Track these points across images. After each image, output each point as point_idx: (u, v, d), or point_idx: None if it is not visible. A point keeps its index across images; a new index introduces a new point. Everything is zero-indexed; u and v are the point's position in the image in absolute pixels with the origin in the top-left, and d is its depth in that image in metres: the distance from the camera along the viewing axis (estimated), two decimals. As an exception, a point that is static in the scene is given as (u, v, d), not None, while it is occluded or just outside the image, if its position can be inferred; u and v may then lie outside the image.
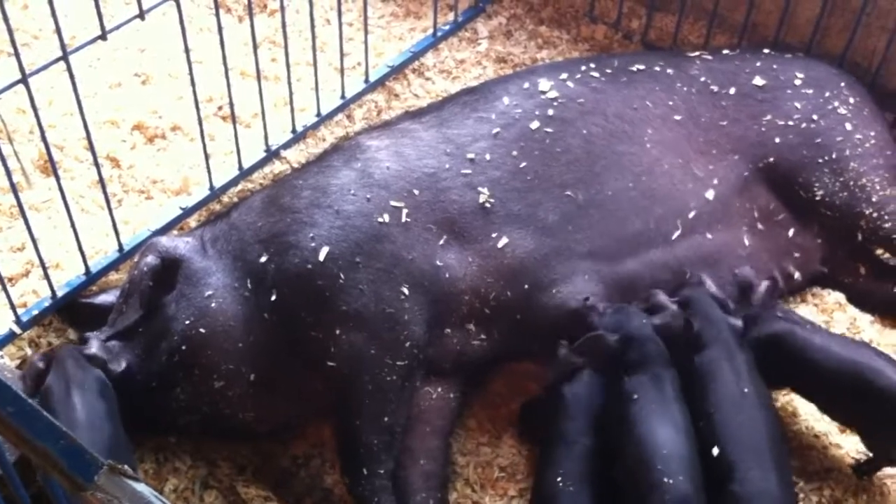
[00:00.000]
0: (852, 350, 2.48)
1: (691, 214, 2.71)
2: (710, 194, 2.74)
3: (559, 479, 2.31)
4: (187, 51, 2.70)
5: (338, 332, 2.42)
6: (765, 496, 2.21)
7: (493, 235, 2.56)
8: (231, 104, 2.93)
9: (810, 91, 2.91)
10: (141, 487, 1.23)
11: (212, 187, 3.01)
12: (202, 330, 2.48)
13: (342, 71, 3.28)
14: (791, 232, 2.84)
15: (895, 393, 2.37)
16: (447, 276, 2.52)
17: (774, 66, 2.97)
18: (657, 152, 2.73)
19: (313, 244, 2.45)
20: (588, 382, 2.49)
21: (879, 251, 2.99)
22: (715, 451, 2.28)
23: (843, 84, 2.97)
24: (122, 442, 2.34)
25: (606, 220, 2.63)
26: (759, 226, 2.81)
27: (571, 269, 2.59)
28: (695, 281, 2.64)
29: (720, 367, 2.42)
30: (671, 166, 2.73)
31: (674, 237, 2.69)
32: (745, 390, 2.37)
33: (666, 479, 2.18)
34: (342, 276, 2.43)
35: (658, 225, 2.67)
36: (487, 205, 2.57)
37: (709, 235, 2.73)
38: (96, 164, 2.63)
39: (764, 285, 2.66)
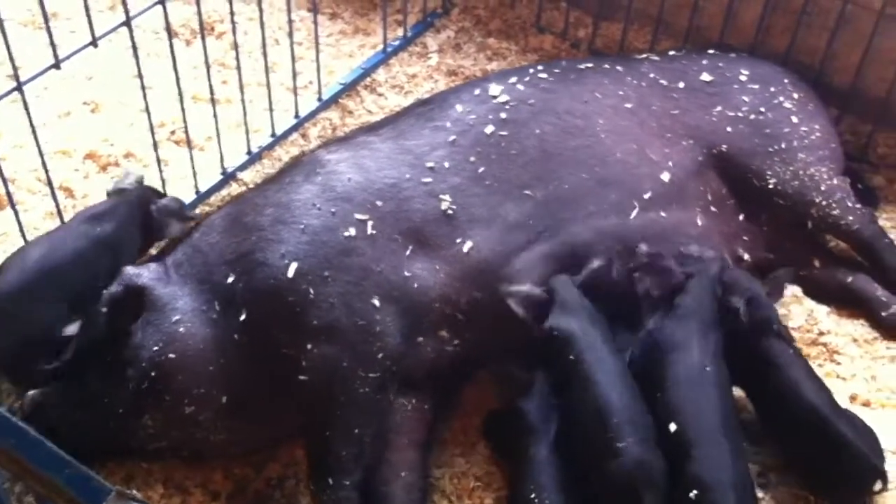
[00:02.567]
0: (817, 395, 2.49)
1: (647, 195, 2.76)
2: (665, 176, 2.80)
3: (532, 494, 2.33)
4: (141, 76, 2.69)
5: (310, 346, 2.41)
6: (722, 471, 2.24)
7: (458, 241, 2.57)
8: (186, 128, 2.91)
9: (756, 86, 2.99)
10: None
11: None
12: (171, 355, 2.45)
13: (295, 90, 3.28)
14: (741, 217, 2.91)
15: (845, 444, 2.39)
16: (416, 285, 2.52)
17: (720, 64, 3.05)
18: (611, 141, 2.78)
19: (282, 261, 2.44)
20: (542, 392, 2.52)
21: (832, 243, 3.07)
22: (672, 427, 2.32)
23: (786, 80, 3.06)
24: None
25: (564, 211, 2.67)
26: (712, 208, 2.87)
27: (533, 260, 2.61)
28: (718, 262, 2.68)
29: (689, 342, 2.45)
30: (625, 153, 2.78)
31: (630, 217, 2.73)
32: (707, 368, 2.41)
33: (618, 444, 2.23)
34: (312, 291, 2.42)
35: (614, 207, 2.71)
36: (450, 211, 2.59)
37: (663, 215, 2.78)
38: (53, 195, 2.60)
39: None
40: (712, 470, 2.25)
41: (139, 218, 2.74)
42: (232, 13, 2.96)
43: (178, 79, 2.77)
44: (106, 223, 2.68)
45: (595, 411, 2.32)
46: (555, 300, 2.53)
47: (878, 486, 2.42)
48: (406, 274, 2.52)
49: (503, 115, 2.76)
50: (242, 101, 3.05)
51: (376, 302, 2.47)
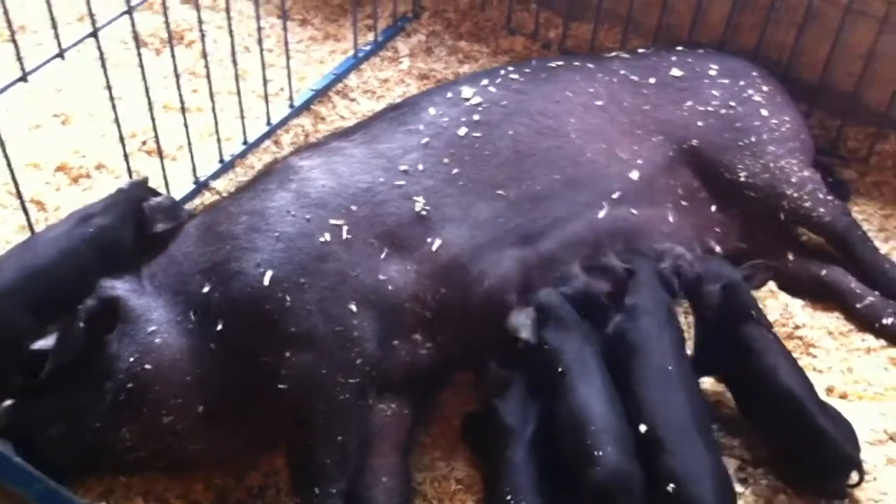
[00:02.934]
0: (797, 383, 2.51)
1: (616, 195, 2.78)
2: (634, 175, 2.82)
3: (509, 496, 2.34)
4: (109, 87, 2.67)
5: (288, 354, 2.40)
6: (697, 463, 2.26)
7: (429, 240, 2.58)
8: (157, 138, 2.90)
9: (726, 81, 3.02)
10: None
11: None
12: (148, 366, 2.43)
13: (266, 97, 3.27)
14: (713, 208, 2.93)
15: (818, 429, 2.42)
16: (391, 288, 2.52)
17: (689, 60, 3.08)
18: (581, 141, 2.80)
19: (257, 269, 2.43)
20: (519, 394, 2.53)
21: (805, 237, 3.09)
22: (642, 428, 2.33)
23: (755, 74, 3.09)
24: None
25: (534, 210, 2.68)
26: (683, 202, 2.89)
27: (499, 258, 2.62)
28: (651, 254, 2.71)
29: (649, 343, 2.48)
30: (595, 152, 2.80)
31: (599, 216, 2.75)
32: (670, 367, 2.43)
33: (596, 452, 2.24)
34: (289, 298, 2.41)
35: (583, 207, 2.74)
36: (423, 213, 2.59)
37: (634, 212, 2.80)
38: (24, 209, 2.58)
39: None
40: (688, 463, 2.27)
41: (131, 216, 2.72)
42: (200, 22, 2.95)
43: (146, 89, 2.76)
44: (96, 222, 2.66)
45: (576, 420, 2.33)
46: (549, 316, 2.54)
47: (854, 477, 2.44)
48: (381, 277, 2.52)
49: (476, 117, 2.76)
50: (213, 109, 3.03)
51: (353, 307, 2.46)
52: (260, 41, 3.14)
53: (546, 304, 2.56)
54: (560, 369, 2.43)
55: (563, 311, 2.55)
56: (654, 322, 2.53)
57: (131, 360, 2.43)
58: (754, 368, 2.51)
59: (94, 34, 2.54)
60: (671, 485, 2.24)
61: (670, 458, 2.28)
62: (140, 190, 2.80)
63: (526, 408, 2.50)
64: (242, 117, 3.19)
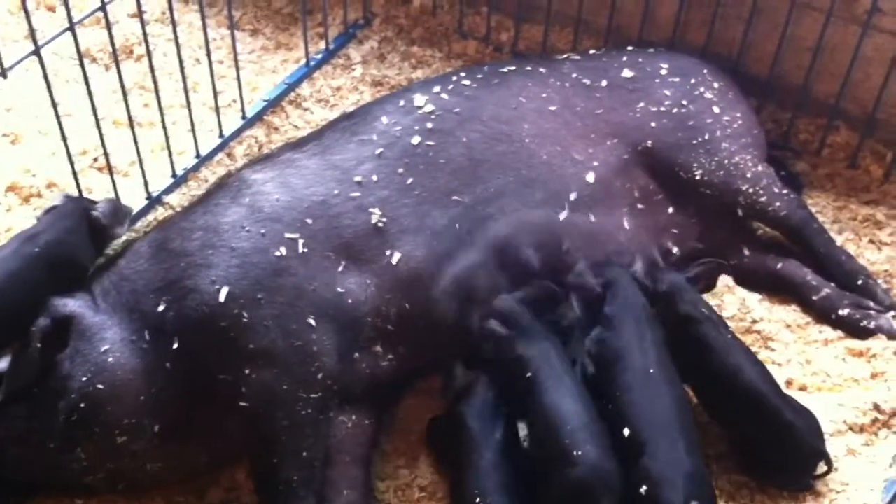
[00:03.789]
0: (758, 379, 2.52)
1: (572, 196, 2.78)
2: (590, 177, 2.82)
3: (477, 499, 2.34)
4: (54, 105, 2.64)
5: (247, 371, 2.38)
6: (674, 466, 2.27)
7: (388, 252, 2.57)
8: (106, 154, 2.86)
9: (677, 79, 3.03)
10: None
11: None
12: (100, 386, 2.41)
13: (217, 109, 3.24)
14: (670, 210, 2.94)
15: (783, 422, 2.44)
16: (349, 301, 2.51)
17: (640, 60, 3.08)
18: (535, 145, 2.80)
19: (212, 286, 2.41)
20: (484, 395, 2.53)
21: (760, 231, 3.11)
22: (626, 432, 2.35)
23: (705, 71, 3.10)
24: None
25: (490, 213, 2.68)
26: (640, 205, 2.90)
27: (460, 263, 2.62)
28: (625, 261, 2.73)
29: (630, 348, 2.49)
30: (550, 155, 2.80)
31: (557, 217, 2.75)
32: (651, 371, 2.44)
33: (574, 452, 2.25)
34: (245, 314, 2.39)
35: (539, 208, 2.74)
36: (380, 224, 2.58)
37: (591, 215, 2.80)
38: (-26, 230, 2.54)
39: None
40: (664, 466, 2.28)
41: (81, 228, 2.69)
42: (145, 34, 2.91)
43: (93, 105, 2.72)
44: (43, 239, 2.62)
45: (550, 421, 2.34)
46: (510, 323, 2.56)
47: (821, 468, 2.47)
48: (339, 290, 2.51)
49: (429, 125, 2.75)
50: (163, 122, 3.00)
51: (312, 321, 2.45)
52: (208, 52, 3.11)
53: (505, 312, 2.56)
54: (528, 374, 2.43)
55: (522, 318, 2.56)
56: (633, 327, 2.54)
57: (83, 379, 2.41)
58: (716, 369, 2.52)
59: (36, 52, 2.50)
60: (644, 487, 2.26)
61: (648, 460, 2.29)
62: (80, 201, 2.77)
63: (491, 409, 2.50)
64: (193, 130, 3.16)
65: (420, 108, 2.80)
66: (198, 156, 3.22)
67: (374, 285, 2.55)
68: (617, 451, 2.32)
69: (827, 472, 2.48)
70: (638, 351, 2.48)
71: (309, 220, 2.54)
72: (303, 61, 3.60)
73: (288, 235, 2.50)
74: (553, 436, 2.31)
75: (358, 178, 2.63)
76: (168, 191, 3.13)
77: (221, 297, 2.39)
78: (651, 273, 2.72)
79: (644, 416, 2.36)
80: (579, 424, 2.31)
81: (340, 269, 2.53)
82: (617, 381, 2.45)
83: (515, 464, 2.41)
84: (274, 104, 3.47)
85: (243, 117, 3.36)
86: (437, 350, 2.64)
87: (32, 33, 2.51)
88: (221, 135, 3.29)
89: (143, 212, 3.05)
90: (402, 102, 2.83)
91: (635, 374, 2.44)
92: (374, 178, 2.64)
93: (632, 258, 2.78)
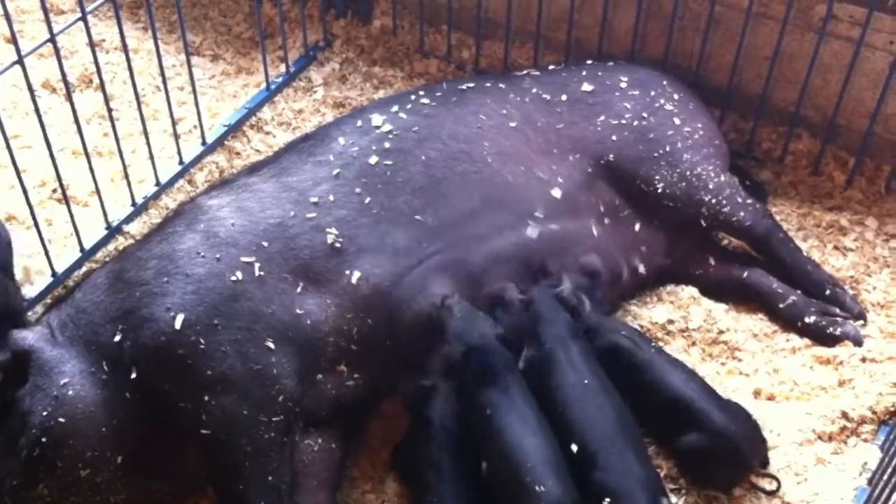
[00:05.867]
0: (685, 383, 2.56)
1: (538, 213, 2.77)
2: (556, 192, 2.81)
3: None
4: (5, 137, 2.62)
5: (207, 398, 2.35)
6: (628, 476, 2.28)
7: (347, 272, 2.55)
8: (61, 185, 2.84)
9: (636, 92, 3.02)
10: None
11: (54, 273, 2.90)
12: (61, 420, 2.37)
13: (176, 135, 3.22)
14: (637, 227, 2.93)
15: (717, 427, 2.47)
16: (309, 322, 2.49)
17: (599, 74, 3.07)
18: (498, 164, 2.78)
19: (168, 314, 2.38)
20: (443, 399, 2.52)
21: (725, 241, 3.11)
22: (574, 447, 2.34)
23: (665, 82, 3.10)
24: None
25: (455, 232, 2.67)
26: (606, 220, 2.89)
27: (424, 280, 2.61)
28: (551, 279, 2.70)
29: (557, 362, 2.49)
30: (513, 174, 2.79)
31: (523, 234, 2.74)
32: (586, 381, 2.44)
33: (537, 488, 2.22)
34: (202, 341, 2.36)
35: (505, 226, 2.73)
36: (337, 244, 2.56)
37: (557, 230, 2.79)
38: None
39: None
40: (619, 477, 2.28)
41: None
42: (97, 63, 2.89)
43: (45, 136, 2.70)
44: None
45: (511, 459, 2.30)
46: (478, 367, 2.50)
47: (771, 485, 2.48)
48: (298, 312, 2.49)
49: (387, 145, 2.74)
50: (119, 151, 2.98)
51: (270, 344, 2.42)
52: (164, 79, 3.09)
53: (477, 347, 2.52)
54: (487, 412, 2.40)
55: (492, 358, 2.51)
56: (560, 342, 2.53)
57: (44, 414, 2.38)
58: (644, 386, 2.55)
59: (-16, 85, 2.48)
60: (607, 500, 2.25)
61: (602, 473, 2.29)
62: None
63: (449, 417, 2.49)
64: (152, 158, 3.13)
65: (378, 127, 2.78)
66: (157, 183, 3.19)
67: (334, 305, 2.53)
68: (568, 466, 2.31)
69: (777, 490, 2.49)
70: (569, 365, 2.48)
71: (265, 243, 2.51)
72: (263, 85, 3.58)
73: (244, 259, 2.48)
74: (514, 473, 2.28)
75: (314, 199, 2.61)
76: (128, 220, 3.10)
77: (177, 325, 2.36)
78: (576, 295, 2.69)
79: (590, 428, 2.36)
80: (540, 460, 2.28)
81: (299, 290, 2.50)
82: (556, 398, 2.43)
83: (476, 486, 2.38)
84: (235, 129, 3.45)
85: (203, 143, 3.34)
86: (403, 365, 2.61)
87: (-14, 64, 2.49)
88: (181, 162, 3.27)
89: (103, 242, 3.03)
90: (359, 123, 2.82)
91: (572, 388, 2.44)
92: (331, 198, 2.62)
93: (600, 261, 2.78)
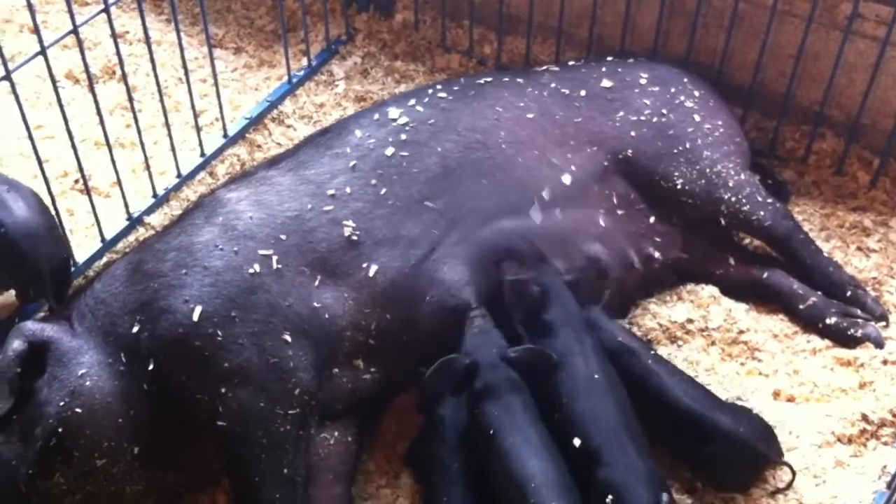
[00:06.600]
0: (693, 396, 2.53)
1: (546, 194, 2.75)
2: (566, 179, 2.80)
3: None
4: (27, 127, 2.63)
5: (223, 390, 2.36)
6: (631, 471, 2.26)
7: (364, 266, 2.55)
8: (83, 175, 2.86)
9: (656, 88, 3.00)
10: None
11: (75, 263, 2.92)
12: (78, 410, 2.39)
13: (198, 128, 3.23)
14: (652, 219, 2.91)
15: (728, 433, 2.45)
16: (326, 315, 2.49)
17: (619, 70, 3.06)
18: (512, 151, 2.78)
19: (185, 306, 2.39)
20: (455, 402, 2.51)
21: (746, 240, 3.08)
22: (577, 441, 2.32)
23: (685, 80, 3.08)
24: None
25: (464, 213, 2.67)
26: (619, 211, 2.87)
27: (438, 268, 2.61)
28: (550, 269, 2.68)
29: (571, 353, 2.46)
30: (526, 158, 2.78)
31: (531, 216, 2.73)
32: (596, 376, 2.42)
33: None
34: (220, 333, 2.37)
35: (514, 207, 2.72)
36: (354, 237, 2.56)
37: (563, 215, 2.77)
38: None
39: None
40: (623, 473, 2.26)
41: None
42: (119, 54, 2.91)
43: (67, 127, 2.73)
44: None
45: (515, 480, 2.26)
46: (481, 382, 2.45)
47: (784, 479, 2.47)
48: (316, 305, 2.49)
49: (403, 137, 2.74)
50: (141, 142, 3.00)
51: (287, 337, 2.43)
52: (186, 71, 3.11)
53: (483, 365, 2.45)
54: (491, 431, 2.35)
55: (496, 376, 2.44)
56: (573, 333, 2.51)
57: (61, 404, 2.39)
58: (645, 394, 2.52)
59: (7, 77, 2.50)
60: (609, 497, 2.23)
61: (605, 469, 2.27)
62: None
63: (459, 420, 2.48)
64: (173, 149, 3.15)
65: (394, 120, 2.78)
66: (179, 175, 3.21)
67: (351, 299, 2.53)
68: (570, 461, 2.30)
69: (791, 482, 2.47)
70: (580, 357, 2.46)
71: (283, 236, 2.52)
72: (285, 78, 3.58)
73: (262, 252, 2.48)
74: (518, 494, 2.24)
75: (331, 192, 2.61)
76: (149, 211, 3.12)
77: (195, 317, 2.37)
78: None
79: (593, 423, 2.34)
80: (544, 480, 2.24)
81: (316, 283, 2.51)
82: (562, 389, 2.41)
83: (485, 490, 2.37)
84: (256, 122, 3.46)
85: (225, 136, 3.35)
86: (422, 358, 2.60)
87: (2, 55, 2.50)
88: (202, 154, 3.28)
89: (124, 233, 3.05)
90: (376, 116, 2.82)
91: (580, 381, 2.41)
92: (348, 190, 2.62)
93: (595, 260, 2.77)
